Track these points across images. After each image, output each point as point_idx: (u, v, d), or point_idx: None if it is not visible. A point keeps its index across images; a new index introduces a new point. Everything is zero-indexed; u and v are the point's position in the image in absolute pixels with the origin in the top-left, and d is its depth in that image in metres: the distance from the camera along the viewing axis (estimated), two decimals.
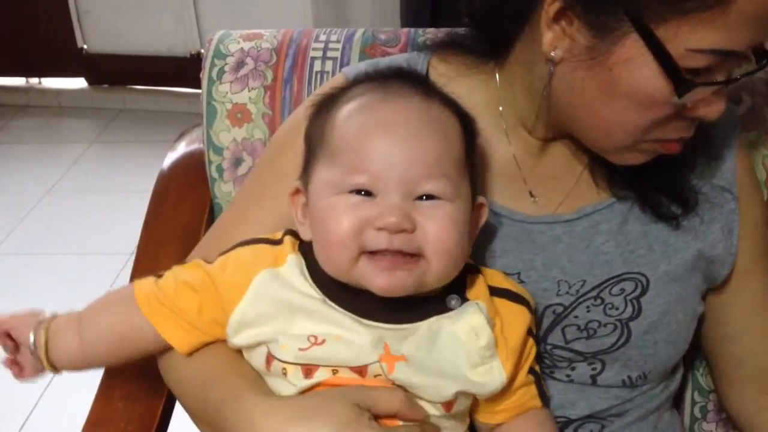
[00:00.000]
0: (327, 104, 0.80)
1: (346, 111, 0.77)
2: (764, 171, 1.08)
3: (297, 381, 0.75)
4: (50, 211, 3.00)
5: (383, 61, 0.94)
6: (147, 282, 0.82)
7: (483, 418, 0.82)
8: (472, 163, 0.81)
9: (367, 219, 0.72)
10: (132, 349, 0.83)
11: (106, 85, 3.78)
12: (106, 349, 0.83)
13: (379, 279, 0.72)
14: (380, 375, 0.73)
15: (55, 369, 0.85)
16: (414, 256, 0.73)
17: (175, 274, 0.81)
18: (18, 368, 0.85)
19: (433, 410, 0.76)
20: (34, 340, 0.82)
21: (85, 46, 3.70)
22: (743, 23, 0.72)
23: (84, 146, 3.46)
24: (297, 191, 0.81)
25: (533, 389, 0.82)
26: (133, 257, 2.83)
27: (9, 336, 0.84)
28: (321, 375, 0.74)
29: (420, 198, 0.74)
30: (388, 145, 0.73)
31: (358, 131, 0.74)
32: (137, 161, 3.27)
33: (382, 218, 0.71)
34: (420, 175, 0.73)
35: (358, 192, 0.73)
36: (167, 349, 0.83)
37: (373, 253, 0.72)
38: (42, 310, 0.86)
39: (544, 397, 0.83)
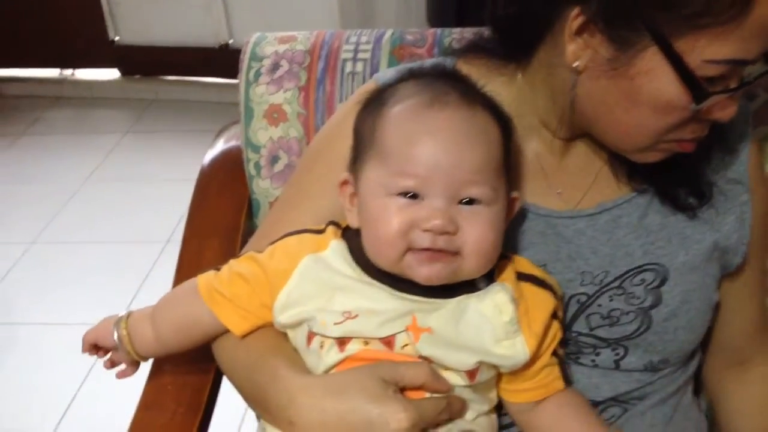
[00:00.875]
0: (377, 102, 0.86)
1: (397, 114, 0.82)
2: None
3: (332, 354, 0.81)
4: (87, 201, 3.07)
5: (413, 65, 0.99)
6: (208, 275, 0.90)
7: (509, 396, 0.87)
8: (509, 163, 0.86)
9: (414, 221, 0.78)
10: (196, 334, 0.92)
11: (138, 76, 3.83)
12: (176, 336, 0.92)
13: (422, 270, 0.79)
14: (407, 345, 0.79)
15: (144, 358, 0.95)
16: (453, 253, 0.79)
17: (230, 266, 0.89)
18: (116, 368, 0.96)
19: (458, 380, 0.81)
20: (118, 337, 0.92)
21: (116, 38, 3.75)
22: (756, 35, 0.76)
23: (118, 136, 3.52)
24: (345, 182, 0.87)
25: (556, 370, 0.87)
26: (169, 245, 2.93)
27: (96, 346, 0.95)
28: (353, 347, 0.81)
29: (462, 201, 0.80)
30: (435, 153, 0.79)
31: (408, 138, 0.80)
32: (171, 150, 3.34)
33: (429, 221, 0.78)
34: (464, 180, 0.79)
35: (406, 194, 0.79)
36: (220, 335, 0.90)
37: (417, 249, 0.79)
38: (116, 314, 0.96)
39: (567, 380, 0.88)
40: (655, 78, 0.79)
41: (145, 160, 3.34)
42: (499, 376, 0.86)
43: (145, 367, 1.03)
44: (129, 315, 0.94)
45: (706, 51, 0.76)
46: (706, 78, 0.78)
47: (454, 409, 0.81)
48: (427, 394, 0.81)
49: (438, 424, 0.80)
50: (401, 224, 0.79)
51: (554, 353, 0.87)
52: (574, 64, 0.83)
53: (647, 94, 0.80)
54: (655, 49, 0.78)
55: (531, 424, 0.88)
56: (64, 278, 2.65)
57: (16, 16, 3.77)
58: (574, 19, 0.81)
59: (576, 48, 0.82)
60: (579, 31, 0.81)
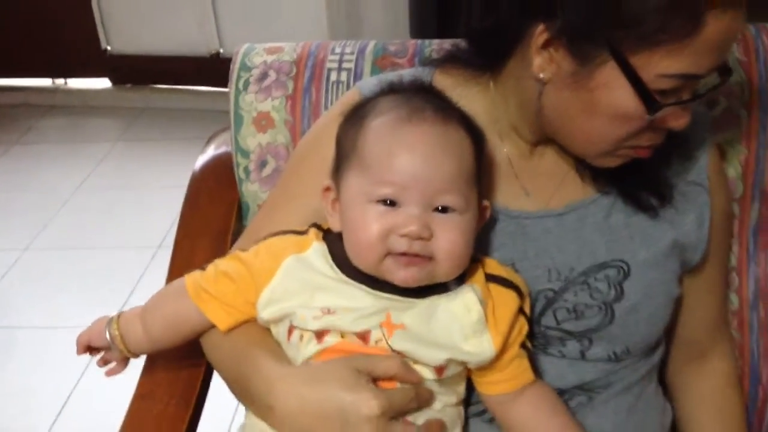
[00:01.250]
0: (358, 115, 0.91)
1: (377, 127, 0.88)
2: (740, 166, 1.19)
3: (310, 346, 0.87)
4: (80, 208, 3.11)
5: (393, 76, 1.05)
6: (194, 274, 0.95)
7: (485, 389, 0.93)
8: (481, 173, 0.92)
9: (391, 227, 0.84)
10: (184, 330, 0.97)
11: (129, 85, 3.89)
12: (165, 332, 0.97)
13: (400, 273, 0.85)
14: (381, 340, 0.85)
15: (135, 355, 0.99)
16: (427, 257, 0.85)
17: (216, 266, 0.94)
18: (108, 365, 1.00)
19: (427, 373, 0.87)
20: (110, 336, 0.97)
21: (108, 48, 3.81)
22: (705, 52, 0.82)
23: (110, 144, 3.57)
24: (328, 189, 0.92)
25: (526, 362, 0.92)
26: (160, 250, 2.97)
27: (89, 347, 0.99)
28: (330, 340, 0.87)
29: (437, 209, 0.86)
30: (412, 164, 0.85)
31: (388, 150, 0.86)
32: (162, 158, 3.39)
33: (405, 227, 0.84)
34: (437, 190, 0.85)
35: (385, 202, 0.85)
36: (208, 330, 0.96)
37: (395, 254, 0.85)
38: (107, 315, 1.00)
39: (536, 372, 0.94)
40: (612, 90, 0.85)
41: (137, 167, 3.39)
42: (469, 371, 0.92)
43: (137, 367, 1.07)
44: (120, 315, 0.98)
45: (660, 66, 0.83)
46: (660, 90, 0.84)
47: (423, 399, 0.87)
48: (398, 385, 0.86)
49: (407, 412, 0.86)
50: (380, 230, 0.84)
51: (523, 346, 0.93)
52: (540, 76, 0.89)
53: (605, 105, 0.86)
54: (612, 63, 0.84)
55: (508, 415, 0.94)
56: (57, 283, 2.69)
57: (8, 26, 3.82)
58: (540, 34, 0.87)
59: (542, 61, 0.89)
60: (544, 46, 0.88)
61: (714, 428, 1.13)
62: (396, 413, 0.85)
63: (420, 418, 0.87)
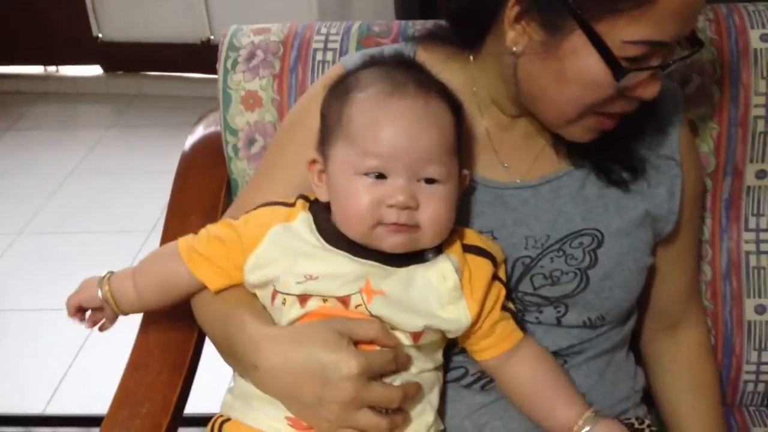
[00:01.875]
0: (342, 88, 0.95)
1: (362, 101, 0.92)
2: (712, 142, 1.23)
3: (293, 309, 0.91)
4: (72, 193, 3.14)
5: (376, 51, 1.09)
6: (186, 237, 0.99)
7: (478, 356, 0.97)
8: (460, 144, 0.96)
9: (380, 198, 0.88)
10: (174, 292, 1.00)
11: (120, 72, 3.90)
12: (155, 292, 1.00)
13: (389, 240, 0.89)
14: (361, 305, 0.89)
15: (125, 313, 1.03)
16: (414, 226, 0.89)
17: (208, 230, 0.98)
18: (98, 324, 1.03)
19: (404, 339, 0.91)
20: (102, 295, 1.00)
21: (100, 35, 3.81)
22: (667, 18, 0.86)
23: (101, 131, 3.58)
24: (314, 161, 0.96)
25: (512, 323, 0.97)
26: (152, 234, 2.98)
27: (80, 309, 1.02)
28: (312, 304, 0.90)
29: (422, 180, 0.90)
30: (396, 136, 0.89)
31: (373, 123, 0.90)
32: (153, 144, 3.41)
33: (393, 197, 0.88)
34: (422, 160, 0.89)
35: (372, 174, 0.89)
36: (198, 292, 0.99)
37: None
38: (95, 276, 1.03)
39: (524, 331, 0.98)
40: (581, 58, 0.89)
41: (128, 153, 3.41)
42: (450, 341, 0.96)
43: (126, 350, 1.11)
44: (110, 276, 1.02)
45: (624, 32, 0.86)
46: (627, 58, 0.88)
47: (401, 362, 0.91)
48: (377, 348, 0.90)
49: (385, 374, 0.90)
50: (369, 201, 0.88)
51: (506, 308, 0.97)
52: (514, 49, 0.93)
53: (575, 72, 0.90)
54: (579, 31, 0.88)
55: (506, 376, 0.98)
56: (50, 267, 2.71)
57: (0, 14, 3.83)
58: (512, 8, 0.91)
59: (515, 34, 0.92)
60: (517, 19, 0.91)
61: (687, 396, 1.17)
62: (374, 374, 0.88)
63: (397, 381, 0.91)
